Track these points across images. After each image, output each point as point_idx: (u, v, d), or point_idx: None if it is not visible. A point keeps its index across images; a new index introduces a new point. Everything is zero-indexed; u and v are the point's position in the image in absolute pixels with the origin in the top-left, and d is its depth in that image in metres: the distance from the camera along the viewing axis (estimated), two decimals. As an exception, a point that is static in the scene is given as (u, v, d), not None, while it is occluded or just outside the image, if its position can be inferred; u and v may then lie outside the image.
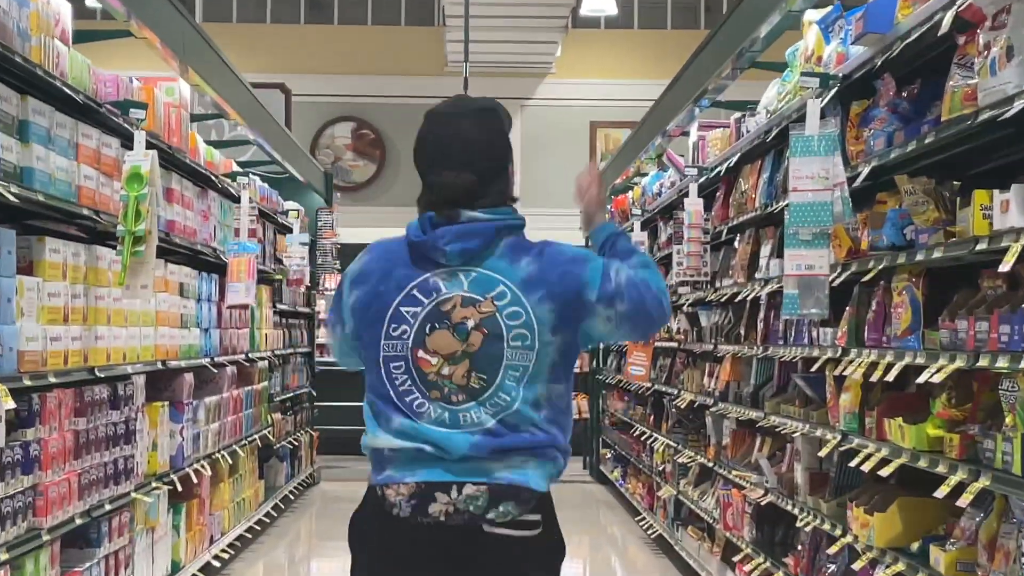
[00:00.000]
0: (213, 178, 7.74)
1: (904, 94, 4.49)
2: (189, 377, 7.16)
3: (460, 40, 14.22)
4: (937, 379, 3.87)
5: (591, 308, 2.91)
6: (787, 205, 4.88)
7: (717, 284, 7.38)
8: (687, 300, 8.13)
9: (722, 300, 7.06)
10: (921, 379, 3.94)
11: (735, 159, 6.76)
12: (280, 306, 10.50)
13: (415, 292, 2.92)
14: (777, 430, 5.84)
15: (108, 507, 5.57)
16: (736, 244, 6.95)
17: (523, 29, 15.64)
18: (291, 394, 11.28)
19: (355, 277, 3.01)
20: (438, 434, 2.88)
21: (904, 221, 4.29)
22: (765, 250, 6.23)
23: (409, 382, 2.91)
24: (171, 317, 6.76)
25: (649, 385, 9.49)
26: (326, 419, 13.68)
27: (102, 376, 5.49)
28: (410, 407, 2.91)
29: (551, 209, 16.94)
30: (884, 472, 4.26)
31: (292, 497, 11.23)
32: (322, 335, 16.58)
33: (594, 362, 13.31)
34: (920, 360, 4.05)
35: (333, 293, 3.41)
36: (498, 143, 3.01)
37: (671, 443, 8.64)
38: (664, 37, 17.10)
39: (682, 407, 8.12)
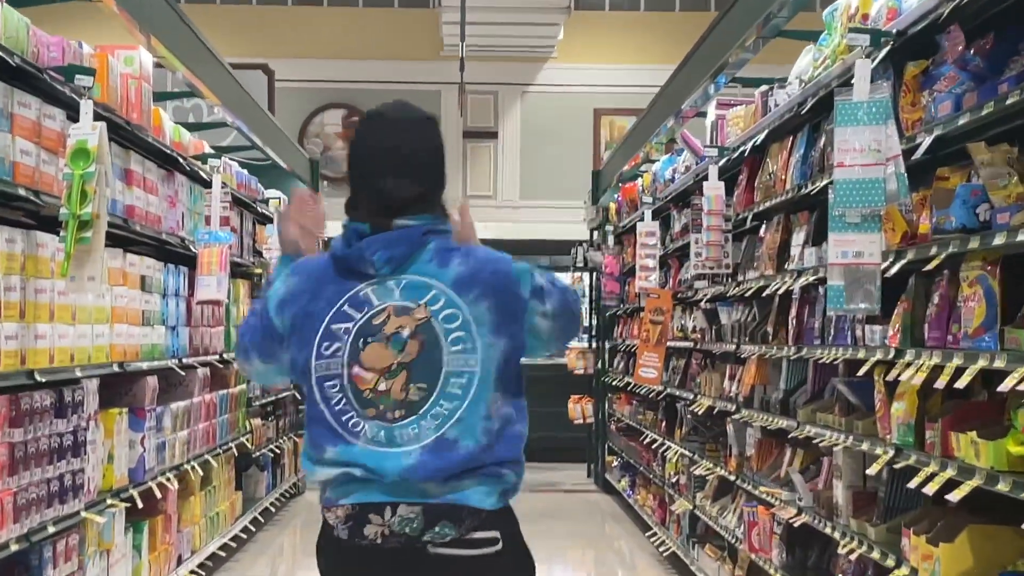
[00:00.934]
0: (180, 160, 7.16)
1: (973, 50, 3.91)
2: (152, 380, 6.59)
3: (456, 22, 13.75)
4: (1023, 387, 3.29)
5: (525, 304, 2.91)
6: (831, 182, 4.34)
7: (739, 277, 6.81)
8: (704, 295, 7.55)
9: (746, 295, 6.49)
10: (1004, 386, 3.36)
11: (761, 137, 6.19)
12: (260, 303, 9.91)
13: (346, 307, 2.90)
14: (813, 441, 5.27)
15: (52, 529, 5.01)
16: (762, 232, 6.38)
17: (523, 11, 15.27)
18: (272, 398, 10.71)
19: (281, 300, 2.97)
20: (371, 456, 2.85)
21: (977, 199, 3.72)
22: (797, 238, 5.66)
23: (344, 401, 2.88)
24: (130, 313, 6.18)
25: (661, 388, 8.93)
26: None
27: (43, 380, 4.92)
28: (345, 426, 2.88)
29: (552, 201, 16.59)
30: (954, 496, 3.67)
31: (274, 509, 10.66)
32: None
33: (600, 363, 12.73)
34: (999, 363, 3.48)
35: (254, 314, 3.10)
36: (441, 155, 3.02)
37: (686, 452, 8.07)
38: (672, 20, 16.58)
39: (699, 413, 7.55)
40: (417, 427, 2.85)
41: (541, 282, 2.96)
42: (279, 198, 10.08)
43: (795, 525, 5.48)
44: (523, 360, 2.97)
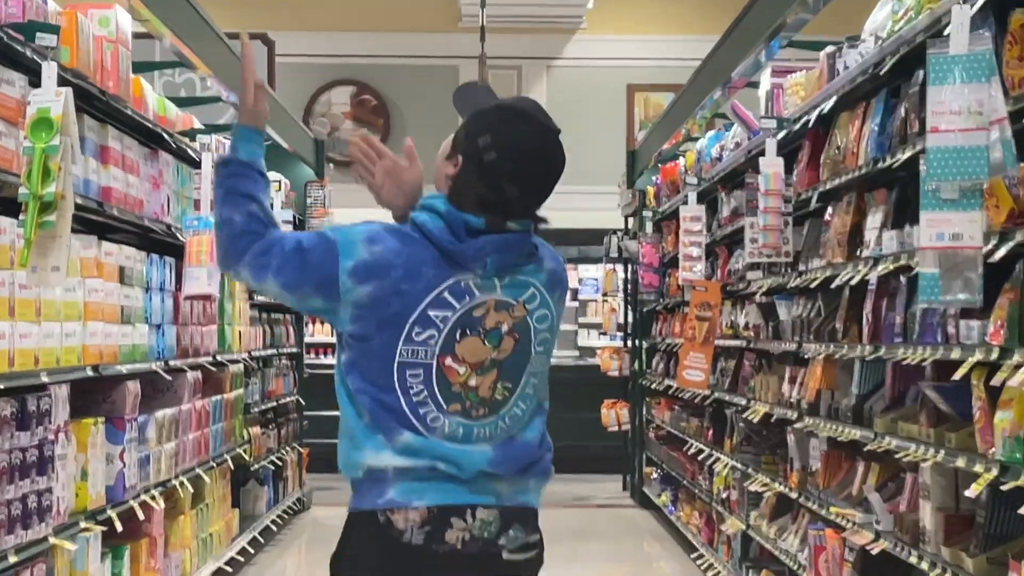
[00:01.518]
0: (165, 136, 6.79)
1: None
2: (134, 386, 6.23)
3: (476, -10, 13.33)
4: None
5: (562, 305, 3.10)
6: (921, 151, 3.93)
7: (801, 267, 6.41)
8: (759, 288, 7.15)
9: (810, 286, 6.09)
10: None
11: (829, 104, 5.78)
12: (259, 298, 9.57)
13: (446, 295, 2.93)
14: (895, 456, 4.87)
15: (13, 558, 4.66)
16: (828, 215, 5.98)
17: (549, -23, 14.98)
18: (273, 403, 10.36)
19: (362, 265, 2.92)
20: (451, 451, 2.91)
21: (1108, 167, 3.31)
22: (873, 220, 5.26)
23: (426, 393, 2.92)
24: (107, 310, 5.82)
25: (708, 393, 8.53)
26: (318, 431, 12.71)
27: (2, 387, 4.56)
28: (423, 420, 2.92)
29: (581, 186, 16.16)
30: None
31: (275, 528, 10.30)
32: (314, 332, 15.99)
33: (636, 364, 12.33)
34: None
35: (312, 253, 2.98)
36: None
37: (738, 465, 7.67)
38: (714, -16, 16.17)
39: (753, 421, 7.14)
40: (495, 427, 2.96)
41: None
42: (279, 181, 9.69)
43: (872, 552, 5.08)
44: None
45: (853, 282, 5.26)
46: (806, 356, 6.16)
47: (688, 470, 9.64)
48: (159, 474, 6.70)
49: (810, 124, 6.09)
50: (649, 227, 11.35)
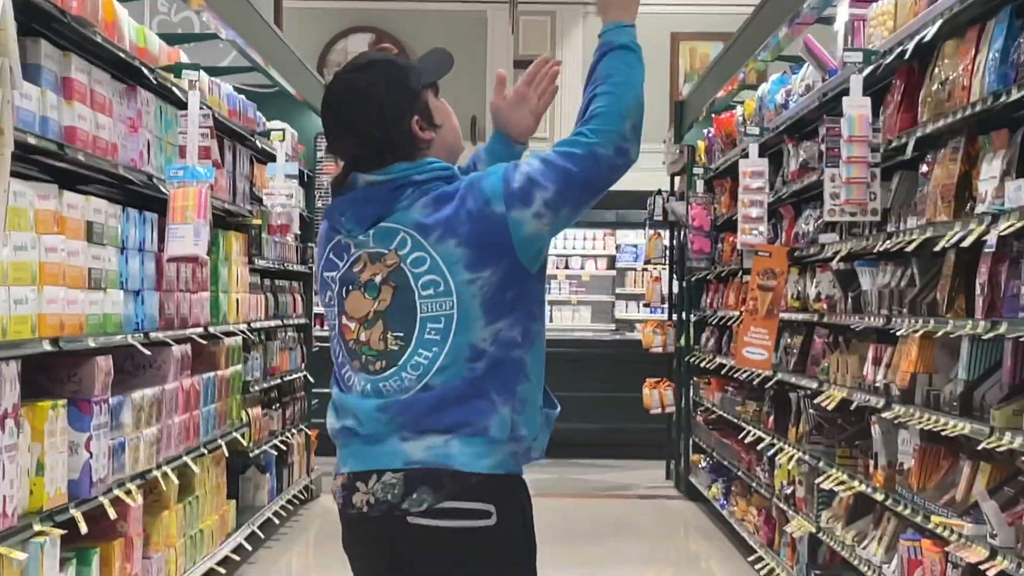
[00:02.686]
0: (145, 71, 6.11)
1: None
2: (104, 362, 5.57)
3: (506, -78, 12.74)
4: None
5: (507, 220, 3.00)
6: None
7: (890, 227, 5.70)
8: (836, 252, 6.44)
9: (904, 250, 5.38)
10: None
11: (932, 31, 5.05)
12: (260, 262, 8.91)
13: (331, 255, 3.15)
14: (1020, 456, 4.16)
15: (-57, 574, 4.02)
16: (926, 164, 5.26)
17: (586, -89, 14.58)
18: (277, 381, 9.71)
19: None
20: (359, 405, 3.08)
21: None
22: (989, 168, 4.55)
23: (341, 353, 3.16)
24: (70, 273, 5.15)
25: (769, 374, 7.83)
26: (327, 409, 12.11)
27: (-74, 365, 3.92)
28: (343, 380, 3.17)
29: None
30: None
31: (278, 520, 9.66)
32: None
33: (682, 339, 11.62)
34: None
35: None
36: (387, 103, 3.09)
37: (806, 458, 6.98)
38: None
39: (827, 408, 6.44)
40: (399, 379, 3.04)
41: (522, 175, 3.03)
42: (283, 130, 9.02)
43: (987, 572, 4.38)
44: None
45: (966, 243, 4.54)
46: (896, 333, 5.45)
47: (743, 460, 8.96)
48: (136, 464, 6.08)
49: (906, 55, 5.36)
50: (700, 186, 10.64)
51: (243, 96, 8.81)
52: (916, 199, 5.39)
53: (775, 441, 7.82)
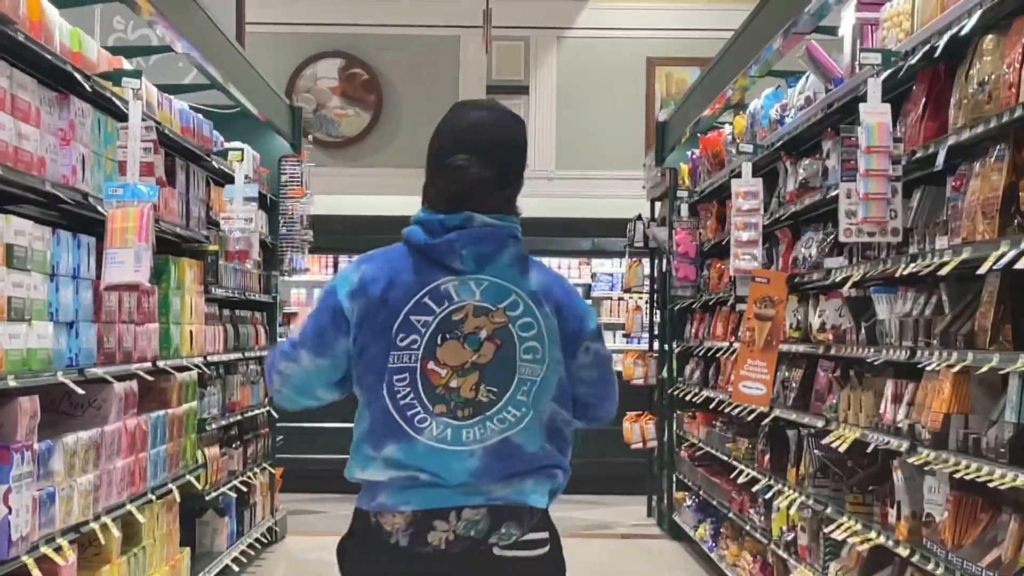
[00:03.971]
0: (79, 78, 5.35)
1: None
2: (29, 403, 4.82)
3: (478, -48, 12.51)
4: None
5: (585, 335, 3.26)
6: None
7: (912, 248, 4.99)
8: (845, 277, 5.71)
9: (931, 273, 4.66)
10: None
11: (969, 25, 4.34)
12: (218, 291, 8.13)
13: (426, 300, 3.17)
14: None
15: None
16: (956, 178, 4.55)
17: (559, -63, 14.21)
18: (238, 417, 8.92)
19: (355, 287, 3.22)
20: (435, 457, 3.13)
21: None
22: (1045, 178, 3.82)
23: (412, 395, 3.16)
24: (-16, 302, 4.39)
25: (765, 409, 7.09)
26: (294, 446, 11.36)
27: None
28: (411, 422, 3.15)
29: (595, 171, 15.04)
30: None
31: (237, 567, 8.84)
32: (290, 331, 14.61)
33: (665, 371, 10.87)
34: None
35: (318, 302, 3.29)
36: (522, 149, 3.28)
37: (811, 503, 6.25)
38: (746, -55, 14.86)
39: (839, 448, 5.69)
40: (484, 428, 3.14)
41: (599, 330, 3.30)
42: (241, 150, 8.26)
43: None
44: None
45: (1021, 264, 3.81)
46: (927, 367, 4.72)
47: (735, 501, 8.21)
48: (69, 516, 5.31)
49: (936, 53, 4.64)
50: (684, 210, 9.91)
51: (200, 115, 8.06)
52: (946, 216, 4.67)
53: (772, 482, 7.08)
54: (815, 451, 6.24)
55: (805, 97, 6.65)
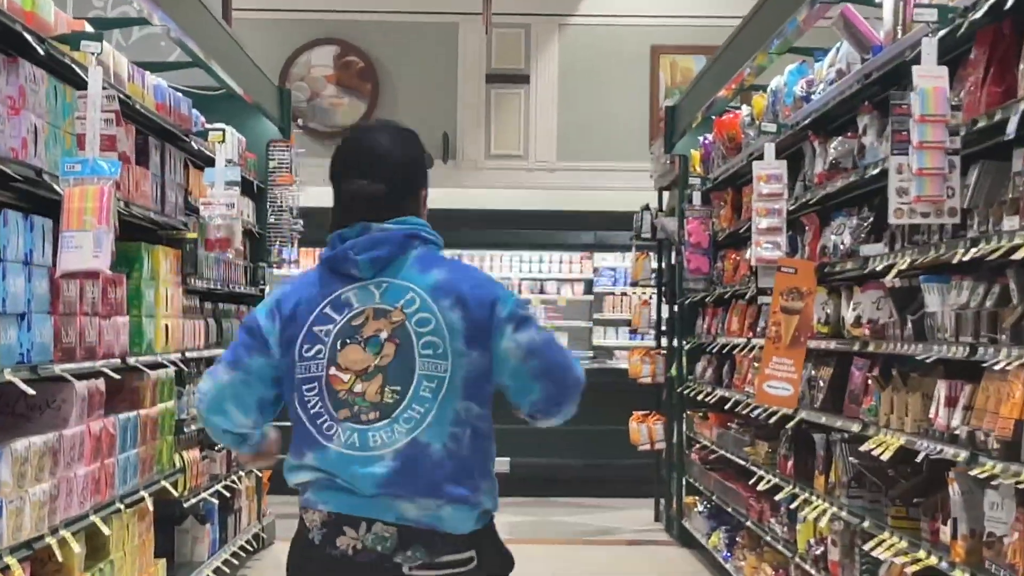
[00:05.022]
0: (30, 39, 4.72)
1: None
2: (-32, 406, 4.19)
3: (477, -62, 12.18)
4: None
5: (499, 325, 3.23)
6: None
7: (972, 231, 4.36)
8: (888, 265, 5.09)
9: (997, 259, 4.03)
10: None
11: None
12: (198, 283, 7.51)
13: (327, 310, 3.27)
14: None
15: None
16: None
17: (562, -80, 14.03)
18: (221, 418, 8.25)
19: (271, 309, 3.33)
20: (345, 463, 3.18)
21: None
22: None
23: (320, 404, 3.23)
24: (-93, 289, 3.76)
25: (789, 411, 6.47)
26: (284, 445, 10.65)
27: None
28: (320, 430, 3.22)
29: (597, 163, 14.53)
30: None
31: (220, 577, 8.23)
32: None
33: (674, 368, 10.25)
34: None
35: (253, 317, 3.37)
36: (413, 163, 3.40)
37: (844, 515, 5.63)
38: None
39: (881, 456, 5.06)
40: (391, 431, 3.18)
41: (523, 314, 3.27)
42: (222, 130, 7.63)
43: None
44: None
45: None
46: (992, 366, 4.09)
47: (753, 508, 7.59)
48: (20, 532, 4.73)
49: (1006, 4, 4.01)
50: (696, 198, 9.27)
51: (179, 94, 7.43)
52: (1014, 193, 4.04)
53: (798, 490, 6.46)
54: (850, 458, 5.62)
55: (836, 70, 6.02)
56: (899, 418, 5.01)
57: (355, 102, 14.97)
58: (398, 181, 3.32)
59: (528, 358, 3.20)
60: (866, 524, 5.35)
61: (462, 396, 3.18)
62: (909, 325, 4.94)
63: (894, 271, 4.95)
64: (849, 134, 5.98)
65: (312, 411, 3.20)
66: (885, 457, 4.99)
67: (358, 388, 3.18)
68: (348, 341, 3.20)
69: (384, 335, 3.18)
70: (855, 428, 5.52)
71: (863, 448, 5.25)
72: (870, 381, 5.51)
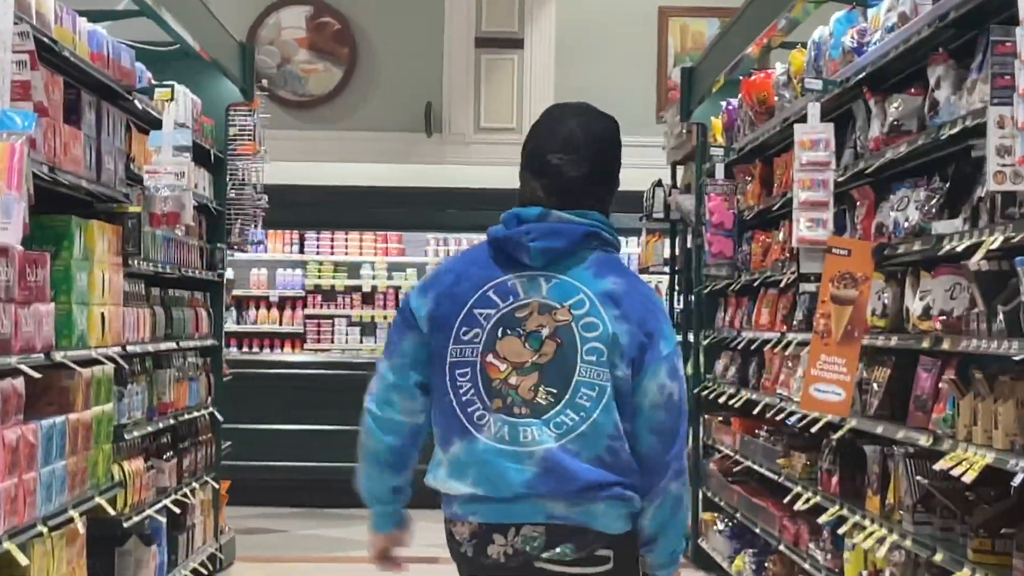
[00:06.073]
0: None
1: None
2: None
3: None
4: None
5: (655, 360, 3.32)
6: None
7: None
8: (972, 242, 4.48)
9: None
10: None
11: None
12: (143, 264, 6.90)
13: (491, 294, 3.36)
14: None
15: None
16: None
17: None
18: (170, 422, 7.70)
19: (427, 283, 3.48)
20: (494, 462, 3.29)
21: None
22: None
23: (473, 391, 3.35)
24: None
25: (836, 419, 5.88)
26: (246, 452, 10.16)
27: None
28: (471, 418, 3.34)
29: None
30: None
31: (168, 607, 7.64)
32: (256, 318, 13.69)
33: (690, 366, 9.65)
34: None
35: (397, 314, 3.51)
36: (617, 152, 3.48)
37: (908, 544, 5.04)
38: None
39: (963, 477, 4.44)
40: (540, 431, 3.28)
41: (678, 365, 3.39)
42: (171, 87, 7.02)
43: None
44: None
45: None
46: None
47: (787, 530, 7.03)
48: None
49: None
50: (719, 171, 8.68)
51: (122, 45, 6.80)
52: None
53: (846, 512, 5.87)
54: (918, 477, 5.02)
55: (898, 14, 5.41)
56: (984, 431, 4.41)
57: (330, 68, 14.69)
58: (601, 168, 3.40)
59: (657, 410, 3.27)
60: (939, 557, 4.75)
61: (617, 411, 3.26)
62: (1000, 317, 4.32)
63: (981, 251, 4.33)
64: (913, 90, 5.39)
65: (464, 398, 3.32)
66: (968, 478, 4.38)
67: (513, 380, 3.28)
68: (508, 332, 3.31)
69: (546, 332, 3.28)
70: (923, 441, 4.93)
71: (939, 467, 4.64)
72: (943, 385, 4.90)
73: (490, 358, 3.27)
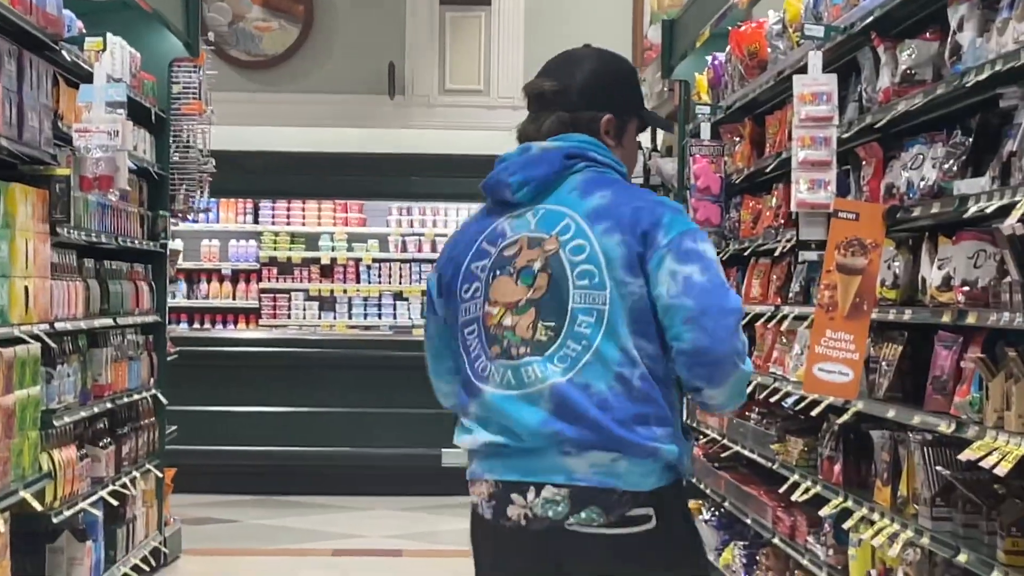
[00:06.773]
0: None
1: None
2: None
3: None
4: None
5: (657, 251, 3.17)
6: None
7: None
8: (1003, 202, 4.09)
9: None
10: None
11: None
12: (73, 234, 6.46)
13: (484, 244, 3.34)
14: None
15: None
16: None
17: None
18: (107, 405, 7.28)
19: (440, 256, 3.48)
20: (505, 408, 3.23)
21: None
22: None
23: (478, 345, 3.31)
24: None
25: (838, 401, 5.50)
26: (192, 435, 9.78)
27: None
28: (477, 373, 3.30)
29: None
30: None
31: (106, 608, 7.24)
32: (208, 292, 13.41)
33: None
34: None
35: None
36: (608, 76, 3.38)
37: (925, 541, 4.67)
38: None
39: (995, 468, 4.06)
40: (544, 367, 3.20)
41: (691, 247, 3.17)
42: (102, 37, 6.60)
43: None
44: None
45: None
46: None
47: (781, 522, 6.66)
48: None
49: None
50: (705, 131, 8.27)
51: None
52: None
53: (851, 504, 5.50)
54: (936, 467, 4.63)
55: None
56: (1019, 416, 4.02)
57: (285, 26, 14.45)
58: (582, 85, 3.32)
59: (682, 299, 3.11)
60: (963, 558, 4.37)
61: (629, 332, 3.14)
62: (1031, 288, 3.93)
63: (1017, 213, 3.92)
64: (928, 34, 5.00)
65: (473, 354, 3.29)
66: (1002, 470, 3.99)
67: (508, 321, 3.22)
68: (499, 273, 3.25)
69: (537, 265, 3.21)
70: (944, 427, 4.53)
71: (963, 456, 4.25)
72: (966, 364, 4.51)
73: (487, 307, 3.24)
